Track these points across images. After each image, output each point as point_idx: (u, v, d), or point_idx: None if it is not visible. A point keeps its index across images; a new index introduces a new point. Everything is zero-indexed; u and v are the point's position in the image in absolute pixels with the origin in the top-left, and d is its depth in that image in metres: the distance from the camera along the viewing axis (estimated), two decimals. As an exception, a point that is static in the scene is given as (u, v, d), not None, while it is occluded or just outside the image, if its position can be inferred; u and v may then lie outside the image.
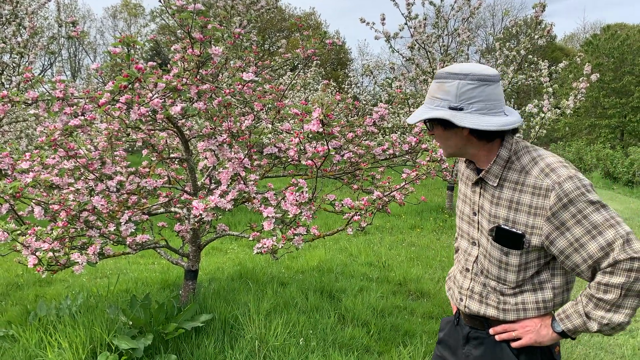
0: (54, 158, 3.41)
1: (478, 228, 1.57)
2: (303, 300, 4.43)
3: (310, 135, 2.41)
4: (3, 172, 3.47)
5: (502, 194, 1.47)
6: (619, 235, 1.31)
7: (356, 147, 3.75)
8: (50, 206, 3.20)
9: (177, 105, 2.75)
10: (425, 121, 1.50)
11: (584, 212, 1.34)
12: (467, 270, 1.62)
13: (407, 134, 8.10)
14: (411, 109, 8.51)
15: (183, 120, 3.33)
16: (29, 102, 3.05)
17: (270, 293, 4.57)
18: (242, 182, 3.31)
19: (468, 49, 9.68)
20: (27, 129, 9.35)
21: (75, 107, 3.12)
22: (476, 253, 1.59)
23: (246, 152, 3.05)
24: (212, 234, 4.17)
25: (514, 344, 1.51)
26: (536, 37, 8.29)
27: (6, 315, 4.30)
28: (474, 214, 1.58)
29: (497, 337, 1.54)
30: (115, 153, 3.79)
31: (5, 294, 5.09)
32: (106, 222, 3.30)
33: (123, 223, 3.20)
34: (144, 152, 4.10)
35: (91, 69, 3.20)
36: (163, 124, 3.26)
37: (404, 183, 3.66)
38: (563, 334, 1.44)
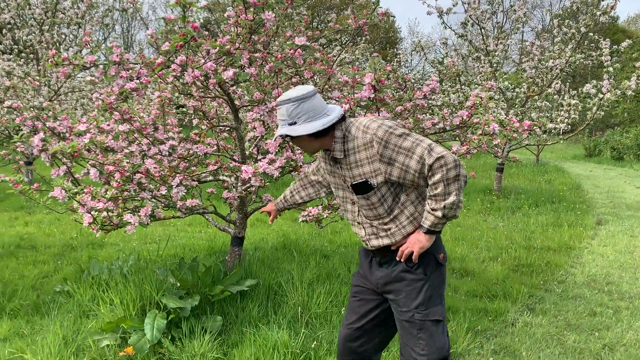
0: (108, 124, 3.52)
1: (349, 190, 2.07)
2: (345, 272, 4.45)
3: (362, 102, 2.38)
4: (61, 135, 3.61)
5: (349, 159, 1.98)
6: (423, 148, 1.83)
7: (405, 121, 3.70)
8: (105, 167, 3.30)
9: (229, 70, 2.77)
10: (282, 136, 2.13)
11: (397, 144, 1.86)
12: (358, 223, 2.13)
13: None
14: (462, 87, 8.31)
15: (234, 88, 3.36)
16: (88, 65, 3.14)
17: (313, 264, 4.61)
18: (290, 150, 3.32)
19: (523, 27, 9.32)
20: (82, 98, 9.66)
21: (130, 71, 3.19)
22: (357, 209, 2.10)
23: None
24: (258, 203, 4.23)
25: (413, 257, 1.98)
26: (598, 13, 7.89)
27: (62, 273, 4.53)
28: (344, 181, 2.07)
29: (401, 259, 2.01)
30: (166, 121, 3.88)
31: (60, 254, 5.35)
32: (158, 185, 3.39)
33: (174, 186, 3.28)
34: (195, 121, 4.18)
35: (146, 35, 3.25)
36: (215, 90, 3.29)
37: (453, 157, 3.60)
38: (430, 231, 1.93)
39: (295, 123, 1.94)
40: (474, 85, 8.75)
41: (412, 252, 1.98)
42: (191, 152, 3.62)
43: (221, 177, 4.04)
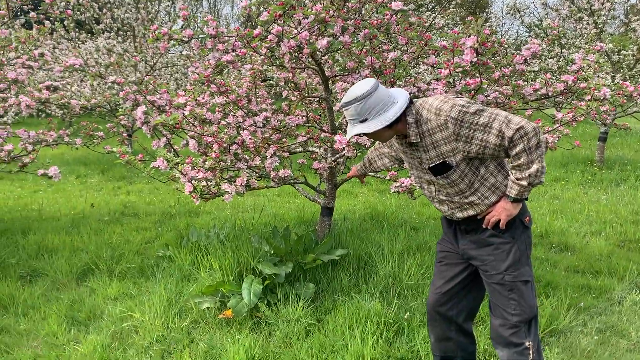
0: (204, 98, 3.62)
1: (426, 172, 2.10)
2: (435, 245, 4.36)
3: (463, 67, 2.27)
4: (161, 108, 3.78)
5: (425, 142, 2.01)
6: (501, 122, 1.84)
7: (503, 87, 3.50)
8: (204, 138, 3.43)
9: (323, 39, 2.75)
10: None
11: (472, 121, 1.87)
12: (439, 201, 2.16)
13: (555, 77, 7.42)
14: (562, 51, 7.74)
15: (326, 57, 3.33)
16: (185, 39, 3.24)
17: (402, 235, 4.56)
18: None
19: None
20: (175, 73, 10.08)
21: (226, 44, 3.26)
22: (434, 188, 2.15)
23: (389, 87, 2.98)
24: (347, 174, 4.22)
25: (501, 225, 2.02)
26: None
27: (163, 239, 4.80)
28: (420, 163, 2.11)
29: (488, 226, 2.05)
30: (258, 93, 3.94)
31: (161, 221, 5.67)
32: (252, 155, 3.47)
33: (268, 157, 3.34)
34: (284, 93, 4.22)
35: (239, 7, 3.29)
36: (307, 60, 3.29)
37: (557, 125, 3.37)
38: (517, 200, 1.97)
39: (366, 120, 1.97)
40: (575, 48, 8.12)
41: (499, 220, 2.02)
42: (283, 123, 3.66)
43: (311, 148, 4.07)
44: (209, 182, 3.33)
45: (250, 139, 3.36)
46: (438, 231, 4.82)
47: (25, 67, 4.54)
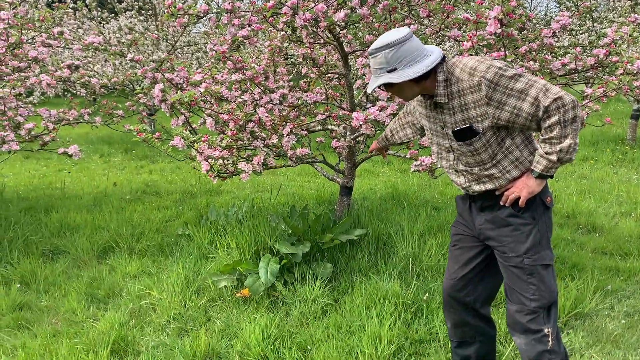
0: (222, 76, 3.57)
1: (448, 137, 1.96)
2: (458, 225, 4.28)
3: (487, 40, 2.16)
4: (179, 86, 3.74)
5: (453, 104, 1.87)
6: (538, 89, 1.70)
7: (530, 63, 3.36)
8: (220, 116, 3.38)
9: (340, 12, 2.65)
10: (379, 87, 1.98)
11: (508, 86, 1.74)
12: (456, 170, 2.03)
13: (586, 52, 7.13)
14: (594, 25, 7.44)
15: (344, 31, 3.23)
16: (201, 14, 3.17)
17: (423, 215, 4.48)
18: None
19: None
20: (197, 52, 10.04)
21: (242, 19, 3.18)
22: (453, 156, 2.01)
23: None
24: (366, 153, 4.14)
25: (520, 202, 1.88)
26: None
27: (183, 217, 4.81)
28: (442, 127, 1.97)
29: (506, 204, 1.92)
30: (277, 71, 3.87)
31: (182, 200, 5.69)
32: (269, 134, 3.42)
33: (285, 135, 3.28)
34: (303, 70, 4.13)
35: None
36: (325, 35, 3.19)
37: (586, 101, 3.23)
38: (542, 176, 1.84)
39: (395, 69, 1.82)
40: (607, 22, 7.80)
41: (519, 197, 1.89)
42: (300, 101, 3.59)
43: (330, 127, 4.00)
44: (225, 161, 3.30)
45: (267, 116, 3.30)
46: (460, 211, 4.72)
47: (45, 46, 4.54)
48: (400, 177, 6.78)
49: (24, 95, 4.63)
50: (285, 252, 3.27)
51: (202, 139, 3.24)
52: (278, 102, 3.32)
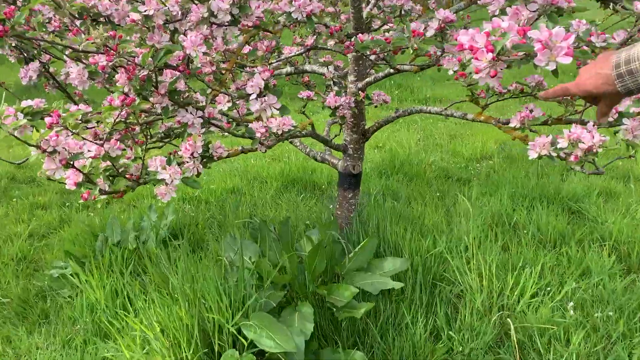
0: None
1: None
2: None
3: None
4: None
5: None
6: None
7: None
8: (97, 58, 1.48)
9: None
10: None
11: None
12: None
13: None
14: None
15: None
16: None
17: (469, 207, 2.82)
18: None
19: None
20: None
21: None
22: None
23: None
24: (382, 69, 2.29)
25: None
26: None
27: (62, 238, 2.90)
28: None
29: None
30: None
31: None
32: (210, 93, 1.58)
33: (249, 88, 1.45)
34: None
35: None
36: None
37: None
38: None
39: None
40: None
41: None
42: (270, 16, 1.71)
43: (308, 67, 2.20)
44: (115, 162, 1.43)
45: (203, 52, 1.41)
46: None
47: None
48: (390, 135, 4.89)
49: None
50: (272, 350, 1.51)
51: (52, 114, 1.34)
52: (228, 17, 1.42)
